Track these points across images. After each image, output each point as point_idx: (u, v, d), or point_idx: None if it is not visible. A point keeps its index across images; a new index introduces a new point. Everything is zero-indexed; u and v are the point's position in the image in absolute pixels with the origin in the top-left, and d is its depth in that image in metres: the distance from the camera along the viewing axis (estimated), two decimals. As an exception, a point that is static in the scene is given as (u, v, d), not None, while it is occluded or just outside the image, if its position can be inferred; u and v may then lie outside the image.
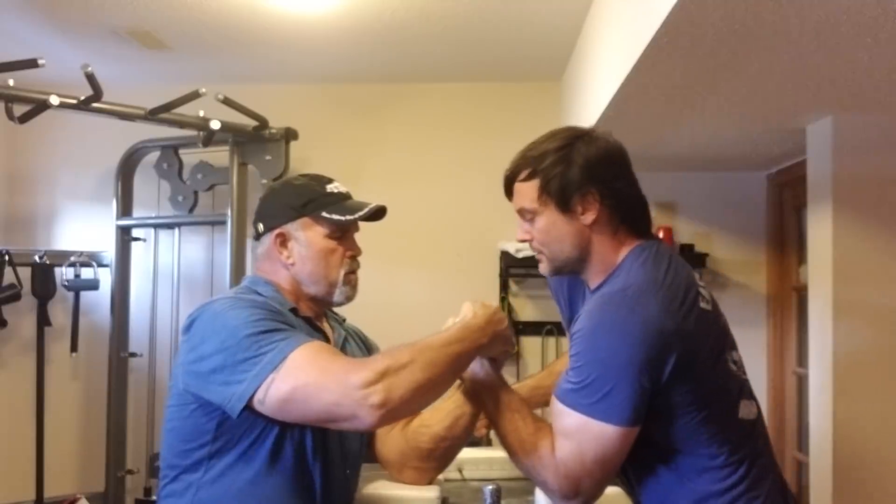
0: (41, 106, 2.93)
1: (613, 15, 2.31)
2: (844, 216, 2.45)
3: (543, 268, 1.49)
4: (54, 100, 2.92)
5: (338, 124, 3.82)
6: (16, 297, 3.43)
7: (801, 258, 3.27)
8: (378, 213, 1.55)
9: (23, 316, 3.59)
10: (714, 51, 1.82)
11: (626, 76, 2.07)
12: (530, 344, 3.72)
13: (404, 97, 3.83)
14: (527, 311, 3.75)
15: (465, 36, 3.12)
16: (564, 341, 3.63)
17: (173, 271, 3.72)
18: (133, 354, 3.70)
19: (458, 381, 1.56)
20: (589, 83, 2.83)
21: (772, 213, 3.59)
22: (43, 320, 3.60)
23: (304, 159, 3.64)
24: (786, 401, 3.44)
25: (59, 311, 3.68)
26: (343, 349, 1.61)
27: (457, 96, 3.81)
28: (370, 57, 3.41)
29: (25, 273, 3.50)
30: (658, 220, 3.52)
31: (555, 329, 3.66)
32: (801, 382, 3.24)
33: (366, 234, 1.63)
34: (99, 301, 3.74)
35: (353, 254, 1.57)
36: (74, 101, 3.02)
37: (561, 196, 1.40)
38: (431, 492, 1.73)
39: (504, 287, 3.68)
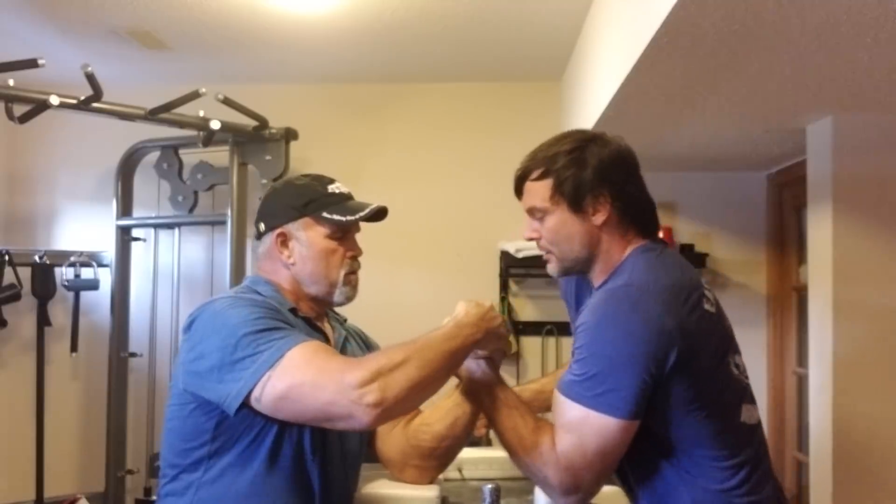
0: (41, 106, 2.93)
1: (613, 15, 2.31)
2: (844, 216, 2.45)
3: (552, 268, 1.51)
4: (54, 100, 2.92)
5: (338, 124, 3.82)
6: (16, 297, 3.43)
7: (801, 258, 3.27)
8: (379, 214, 1.56)
9: (23, 316, 3.59)
10: (714, 51, 1.82)
11: (626, 76, 2.07)
12: (530, 344, 3.72)
13: (404, 97, 3.83)
14: (527, 311, 3.75)
15: (465, 36, 3.12)
16: (565, 341, 3.64)
17: (173, 271, 3.72)
18: (133, 354, 3.70)
19: (456, 381, 1.57)
20: (589, 83, 2.83)
21: (772, 213, 3.59)
22: (43, 320, 3.60)
23: (304, 159, 3.64)
24: (786, 401, 3.44)
25: (59, 311, 3.68)
26: (343, 349, 1.61)
27: (457, 96, 3.81)
28: (370, 57, 3.41)
29: (25, 273, 3.50)
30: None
31: (555, 329, 3.67)
32: (801, 382, 3.24)
33: (366, 235, 1.63)
34: (99, 301, 3.74)
35: (354, 254, 1.57)
36: (74, 101, 3.02)
37: (574, 196, 1.43)
38: (431, 491, 1.73)
39: (504, 287, 3.68)
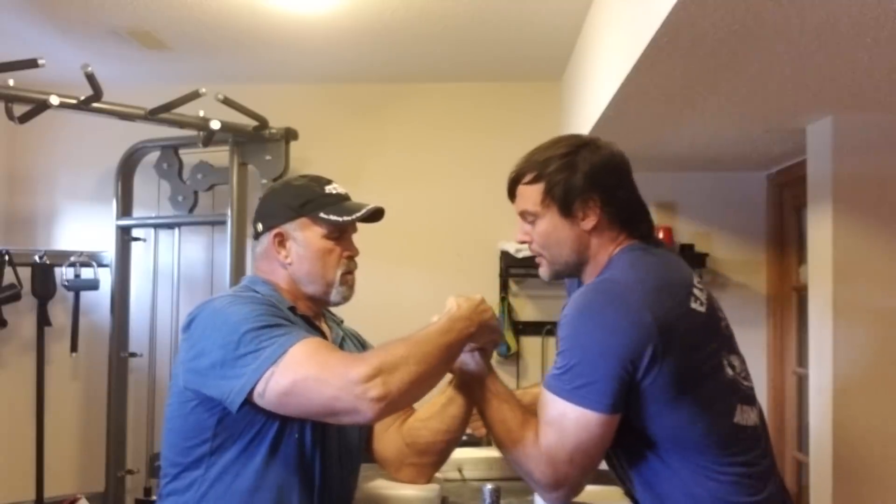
0: (41, 106, 2.93)
1: (613, 15, 2.31)
2: (844, 216, 2.45)
3: (543, 271, 1.54)
4: (54, 100, 2.92)
5: (338, 124, 3.82)
6: (16, 297, 3.43)
7: (801, 258, 3.27)
8: (375, 215, 1.57)
9: (23, 316, 3.59)
10: (714, 51, 1.82)
11: (625, 76, 2.07)
12: (530, 344, 3.71)
13: (404, 97, 3.83)
14: (527, 311, 3.75)
15: (465, 36, 3.12)
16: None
17: (173, 271, 3.72)
18: (133, 354, 3.70)
19: (450, 377, 1.58)
20: (589, 83, 2.83)
21: (772, 213, 3.59)
22: (43, 320, 3.60)
23: (304, 159, 3.64)
24: (786, 401, 3.44)
25: (59, 311, 3.68)
26: (341, 349, 1.61)
27: (457, 96, 3.81)
28: (370, 57, 3.41)
29: (25, 273, 3.50)
30: (658, 220, 3.52)
31: (554, 329, 3.65)
32: (801, 382, 3.24)
33: (366, 235, 1.63)
34: (99, 301, 3.74)
35: (351, 254, 1.58)
36: (74, 101, 3.02)
37: (564, 201, 1.44)
38: (431, 491, 1.73)
39: (504, 287, 3.67)
